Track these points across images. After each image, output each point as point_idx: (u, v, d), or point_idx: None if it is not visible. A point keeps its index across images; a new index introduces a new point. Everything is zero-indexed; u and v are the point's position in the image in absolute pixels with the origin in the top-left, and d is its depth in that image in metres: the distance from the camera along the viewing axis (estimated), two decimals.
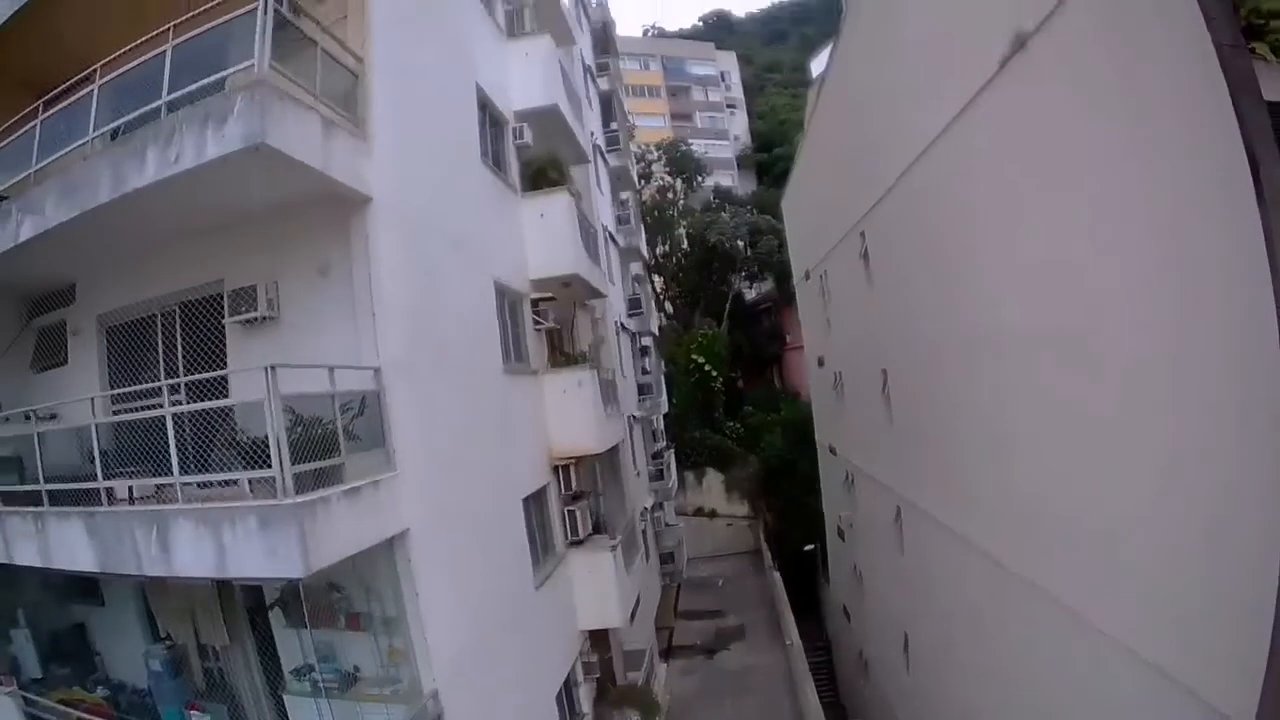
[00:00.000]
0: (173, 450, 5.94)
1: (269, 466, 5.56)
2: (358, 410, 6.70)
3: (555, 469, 12.15)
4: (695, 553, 30.81)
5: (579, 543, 12.30)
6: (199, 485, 6.20)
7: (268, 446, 5.59)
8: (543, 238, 12.52)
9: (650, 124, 56.38)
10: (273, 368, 5.52)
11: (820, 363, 22.39)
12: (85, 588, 9.40)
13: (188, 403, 6.44)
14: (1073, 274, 6.97)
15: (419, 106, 8.96)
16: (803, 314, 25.83)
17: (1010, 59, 7.50)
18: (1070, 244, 6.96)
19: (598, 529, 13.03)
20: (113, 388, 8.36)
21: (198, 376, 6.55)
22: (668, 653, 22.23)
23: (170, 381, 6.38)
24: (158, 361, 8.20)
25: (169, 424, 5.98)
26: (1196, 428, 5.49)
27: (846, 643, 22.90)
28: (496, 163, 11.72)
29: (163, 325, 8.22)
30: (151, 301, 8.26)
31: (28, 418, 7.62)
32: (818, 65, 25.07)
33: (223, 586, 8.22)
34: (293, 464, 5.55)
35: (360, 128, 7.34)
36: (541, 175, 13.03)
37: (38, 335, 9.46)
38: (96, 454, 6.65)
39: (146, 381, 7.84)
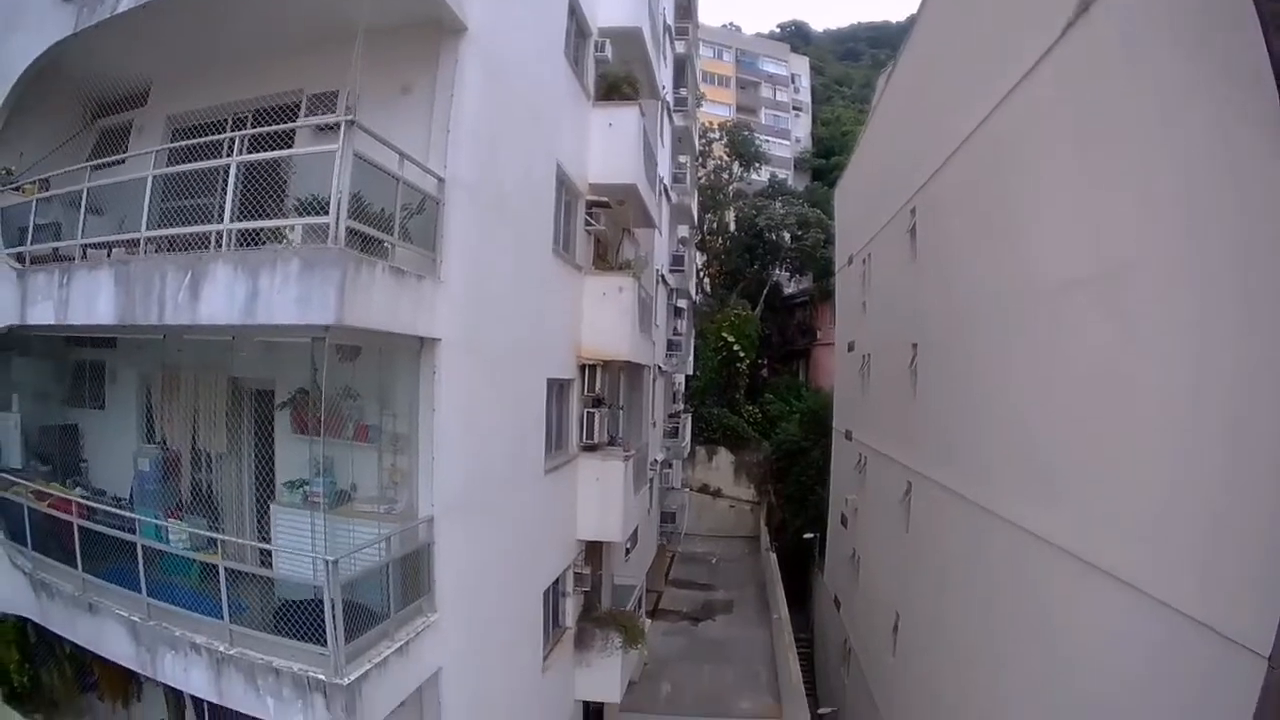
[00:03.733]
0: (230, 195, 5.82)
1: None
2: (415, 209, 6.59)
3: (582, 368, 12.02)
4: (694, 529, 30.63)
5: (593, 447, 12.14)
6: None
7: (324, 204, 5.53)
8: (608, 145, 12.60)
9: (716, 111, 55.57)
10: (350, 121, 5.47)
11: (850, 347, 22.44)
12: (88, 387, 9.34)
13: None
14: (1113, 228, 7.04)
15: None
16: (839, 302, 25.85)
17: (1074, 22, 7.63)
18: (1113, 199, 7.06)
19: (612, 442, 12.90)
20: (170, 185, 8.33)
21: (266, 129, 6.31)
22: (653, 614, 22.01)
23: (238, 134, 6.17)
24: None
25: (232, 172, 5.89)
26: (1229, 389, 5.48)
27: (832, 632, 22.81)
28: (575, 62, 11.68)
29: (233, 128, 8.03)
30: (225, 106, 8.27)
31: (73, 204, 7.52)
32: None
33: (234, 390, 8.18)
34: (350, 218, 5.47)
35: None
36: (615, 89, 13.01)
37: (99, 135, 9.49)
38: (145, 208, 6.54)
39: (205, 185, 7.34)
